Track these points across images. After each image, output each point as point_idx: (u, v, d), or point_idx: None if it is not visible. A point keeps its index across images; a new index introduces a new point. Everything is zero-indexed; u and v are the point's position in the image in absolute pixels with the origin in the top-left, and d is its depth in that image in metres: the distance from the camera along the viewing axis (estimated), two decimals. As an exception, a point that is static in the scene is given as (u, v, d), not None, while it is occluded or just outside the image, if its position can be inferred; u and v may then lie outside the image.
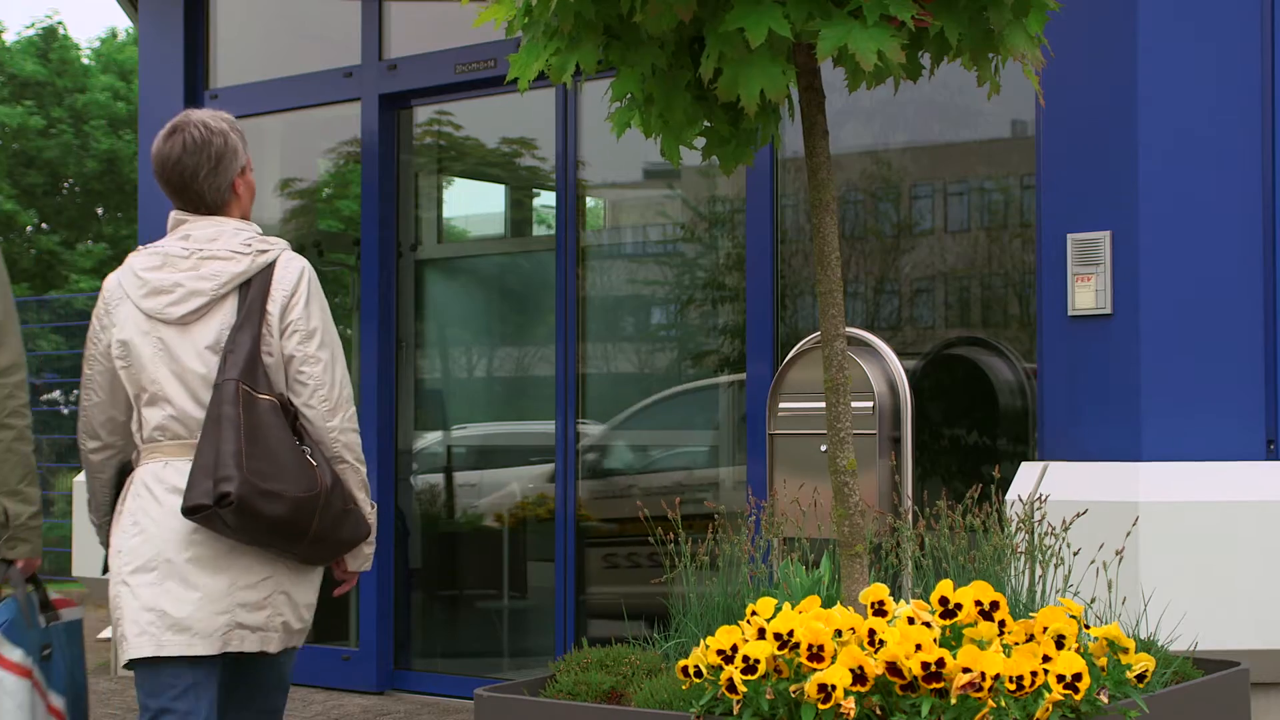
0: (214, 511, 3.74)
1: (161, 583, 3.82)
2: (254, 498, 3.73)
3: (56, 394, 14.88)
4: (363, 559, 4.08)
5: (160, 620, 3.81)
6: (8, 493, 4.08)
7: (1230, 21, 5.41)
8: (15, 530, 4.10)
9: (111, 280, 4.04)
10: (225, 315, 3.91)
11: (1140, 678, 3.60)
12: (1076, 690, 3.31)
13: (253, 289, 3.91)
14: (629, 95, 3.75)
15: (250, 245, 3.97)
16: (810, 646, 3.32)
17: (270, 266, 3.94)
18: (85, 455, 4.04)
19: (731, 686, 3.33)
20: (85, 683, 4.28)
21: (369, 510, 4.03)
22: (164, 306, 3.93)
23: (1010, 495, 5.00)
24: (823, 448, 4.11)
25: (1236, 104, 5.40)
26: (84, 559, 8.50)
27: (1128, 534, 4.57)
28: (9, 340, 4.16)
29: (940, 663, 3.25)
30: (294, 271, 3.95)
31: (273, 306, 3.89)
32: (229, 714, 4.09)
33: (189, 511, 3.76)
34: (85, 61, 26.42)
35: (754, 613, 3.57)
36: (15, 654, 4.06)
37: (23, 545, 4.11)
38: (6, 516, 4.09)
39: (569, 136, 7.74)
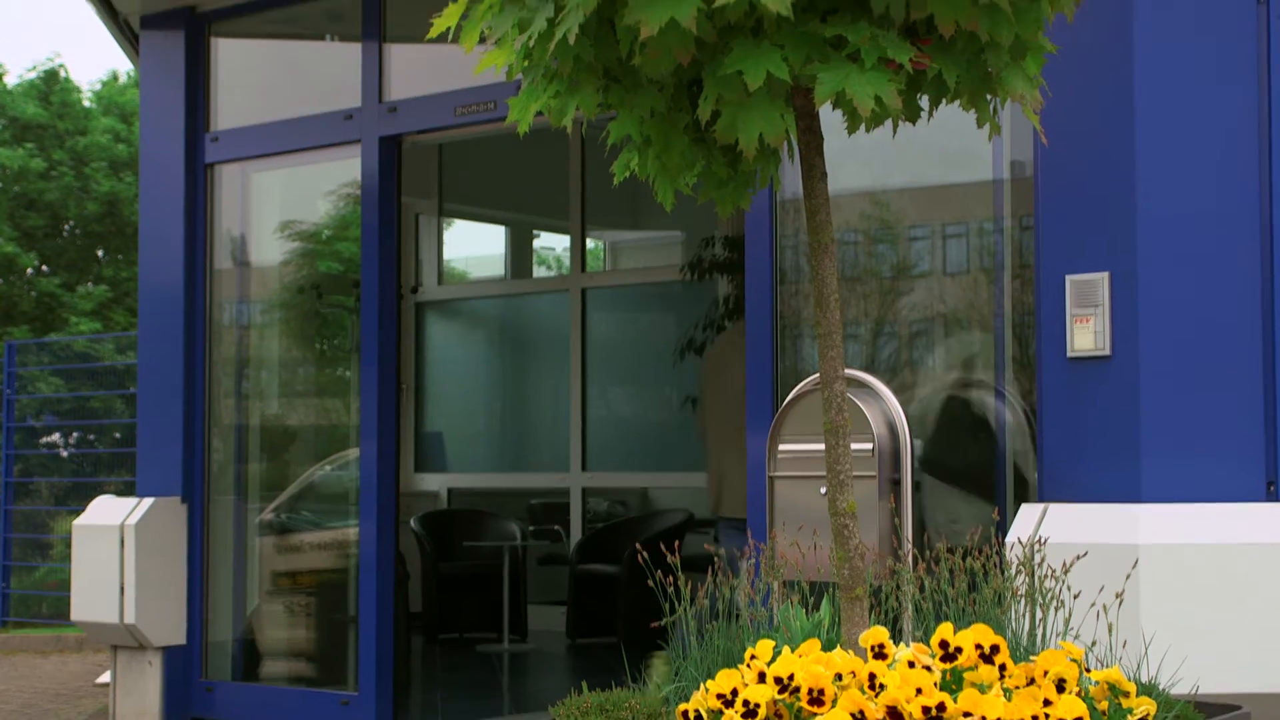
0: None
1: None
2: None
3: (56, 436, 14.86)
4: None
5: None
6: None
7: (1228, 64, 5.43)
8: None
9: None
10: None
11: (1142, 721, 3.58)
12: (1078, 734, 3.29)
13: None
14: (627, 137, 3.76)
15: None
16: (810, 690, 3.30)
17: None
18: None
19: (731, 731, 3.32)
20: None
21: None
22: None
23: (1010, 538, 4.98)
24: (822, 490, 4.10)
25: (1234, 146, 5.42)
26: (83, 603, 8.48)
27: (1128, 576, 4.56)
28: None
29: (941, 707, 3.23)
30: None
31: None
32: None
33: None
34: (86, 104, 26.49)
35: (754, 656, 3.55)
36: None
37: None
38: None
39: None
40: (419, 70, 7.98)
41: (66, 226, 25.81)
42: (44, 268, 25.70)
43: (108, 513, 8.49)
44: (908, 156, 6.44)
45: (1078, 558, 4.33)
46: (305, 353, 8.94)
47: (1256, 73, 5.42)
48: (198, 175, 8.63)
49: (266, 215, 8.86)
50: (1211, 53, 5.44)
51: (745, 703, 3.32)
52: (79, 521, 8.62)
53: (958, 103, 3.71)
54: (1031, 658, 3.77)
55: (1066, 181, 5.56)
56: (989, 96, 3.69)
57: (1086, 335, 5.43)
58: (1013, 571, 4.31)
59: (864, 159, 6.53)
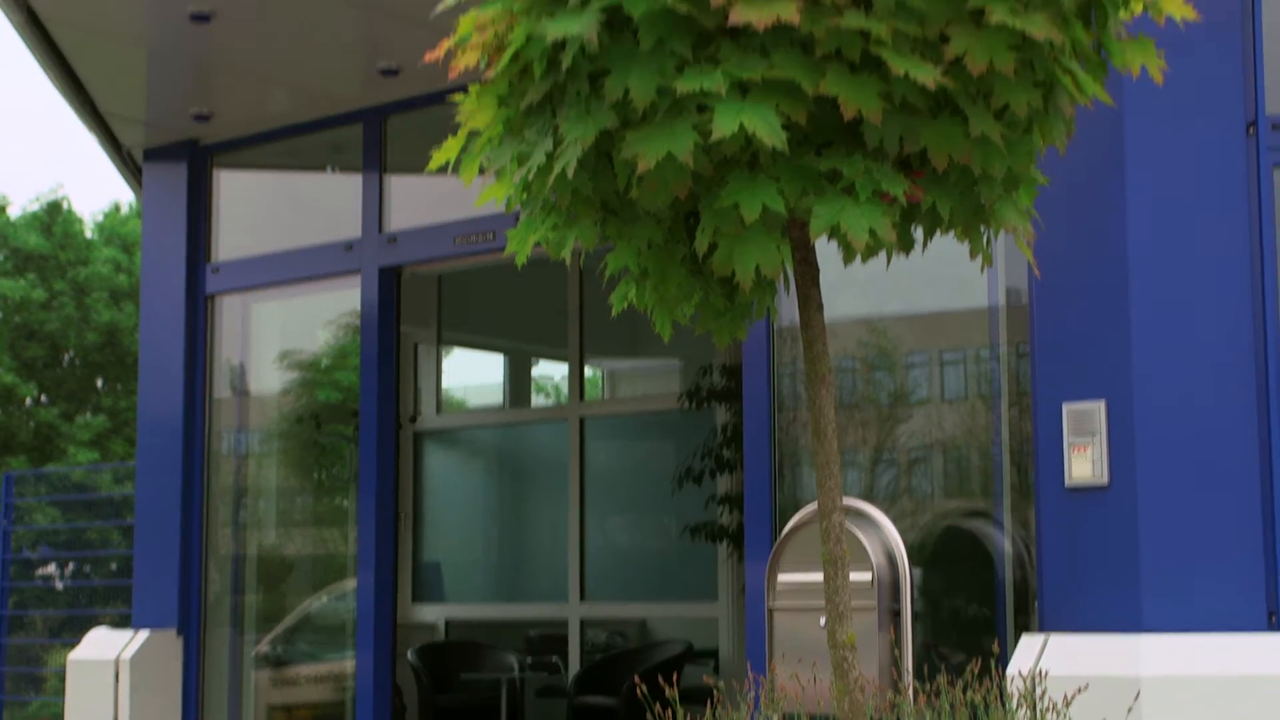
0: None
1: None
2: None
3: (52, 568, 14.77)
4: None
5: None
6: None
7: (1219, 192, 5.48)
8: None
9: None
10: None
11: None
12: None
13: None
14: (625, 268, 3.79)
15: None
16: (811, 826, 3.26)
17: None
18: None
19: None
20: None
21: None
22: None
23: (1011, 670, 4.94)
24: (822, 622, 4.07)
25: (1226, 273, 5.45)
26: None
27: (1130, 709, 4.52)
28: None
29: (943, 842, 3.19)
30: None
31: None
32: None
33: None
34: (88, 235, 26.68)
35: (753, 791, 3.51)
36: None
37: None
38: None
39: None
40: (418, 201, 8.05)
41: (66, 356, 25.88)
42: (43, 398, 25.73)
43: (102, 647, 8.41)
44: (903, 283, 6.48)
45: (1079, 690, 4.29)
46: (303, 482, 8.93)
47: (1247, 201, 5.46)
48: (198, 305, 8.67)
49: (266, 345, 8.89)
50: (1203, 182, 5.49)
51: (745, 839, 3.28)
52: (73, 656, 8.55)
53: (952, 233, 3.73)
54: (1034, 791, 3.73)
55: (1061, 310, 5.58)
56: (982, 228, 3.72)
57: (1084, 464, 5.42)
58: (1014, 705, 4.27)
59: (860, 287, 6.57)
